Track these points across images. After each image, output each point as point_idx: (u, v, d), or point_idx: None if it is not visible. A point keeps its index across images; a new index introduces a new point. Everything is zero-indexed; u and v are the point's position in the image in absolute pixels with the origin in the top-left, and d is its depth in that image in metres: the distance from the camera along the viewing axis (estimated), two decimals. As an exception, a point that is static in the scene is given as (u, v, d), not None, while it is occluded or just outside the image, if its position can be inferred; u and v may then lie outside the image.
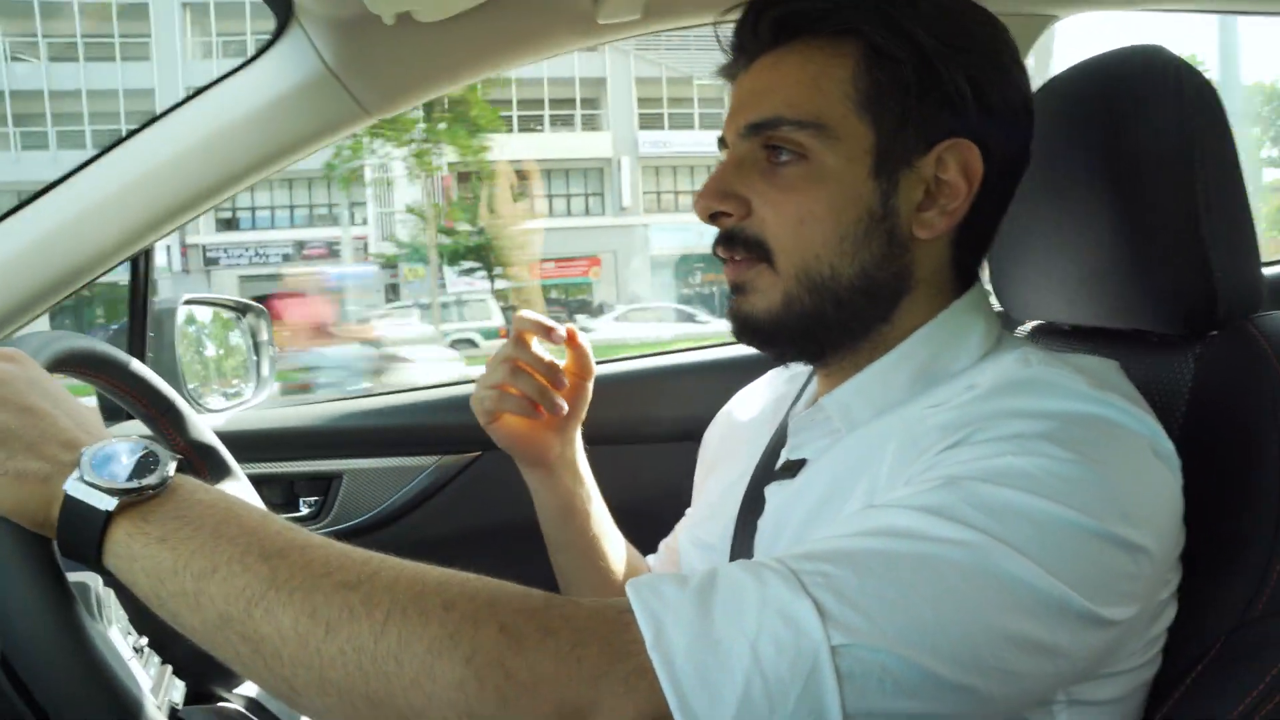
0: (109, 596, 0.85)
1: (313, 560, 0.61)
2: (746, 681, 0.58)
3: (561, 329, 1.04)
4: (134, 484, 0.63)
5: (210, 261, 25.35)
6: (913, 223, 0.80)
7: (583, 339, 1.07)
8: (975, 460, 0.67)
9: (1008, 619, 0.62)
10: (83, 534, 0.63)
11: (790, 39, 0.81)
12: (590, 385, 1.09)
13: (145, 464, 0.64)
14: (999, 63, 0.82)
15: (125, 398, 0.98)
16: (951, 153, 0.79)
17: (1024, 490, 0.64)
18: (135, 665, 0.75)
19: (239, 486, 1.09)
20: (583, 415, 1.09)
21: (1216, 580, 0.78)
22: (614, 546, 1.13)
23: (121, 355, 0.95)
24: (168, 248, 23.25)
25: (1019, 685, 0.64)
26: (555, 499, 1.10)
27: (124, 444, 0.65)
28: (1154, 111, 0.84)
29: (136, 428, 1.05)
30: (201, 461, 1.07)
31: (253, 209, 26.42)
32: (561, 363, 1.06)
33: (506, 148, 22.48)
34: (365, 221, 25.86)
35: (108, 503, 0.62)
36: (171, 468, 0.65)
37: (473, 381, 1.74)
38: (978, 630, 0.61)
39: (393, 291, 25.16)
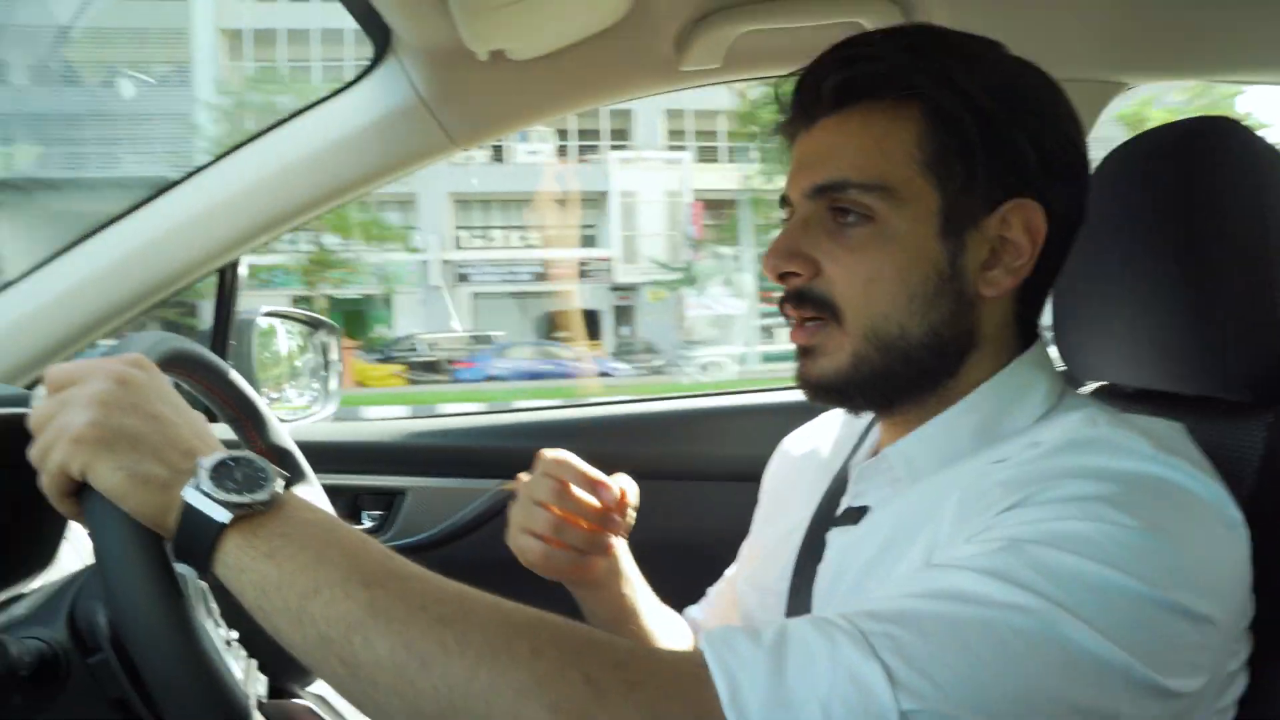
0: (204, 590, 0.89)
1: (410, 592, 0.63)
2: None
3: (614, 487, 0.96)
4: (248, 498, 0.66)
5: (461, 278, 25.64)
6: (979, 281, 0.81)
7: (627, 482, 0.99)
8: (1037, 522, 0.67)
9: (1069, 687, 0.62)
10: (197, 541, 0.66)
11: (854, 102, 0.82)
12: (633, 512, 1.01)
13: (255, 479, 0.67)
14: (1058, 123, 0.82)
15: (214, 399, 1.03)
16: (1015, 212, 0.80)
17: (1086, 556, 0.64)
18: (228, 658, 0.78)
19: (312, 491, 1.12)
20: (627, 532, 1.02)
21: None
22: (671, 631, 1.11)
23: (216, 359, 0.99)
24: (424, 262, 24.43)
25: None
26: (607, 610, 1.05)
27: (239, 455, 0.68)
28: (1226, 178, 0.84)
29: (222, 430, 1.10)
30: (279, 465, 1.10)
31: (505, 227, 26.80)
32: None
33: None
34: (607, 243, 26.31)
35: (223, 515, 0.65)
36: (280, 485, 0.68)
37: (532, 409, 1.79)
38: (1040, 697, 0.61)
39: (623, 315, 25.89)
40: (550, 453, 0.98)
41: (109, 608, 0.70)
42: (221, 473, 0.67)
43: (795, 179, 0.85)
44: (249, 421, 1.07)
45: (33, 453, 0.70)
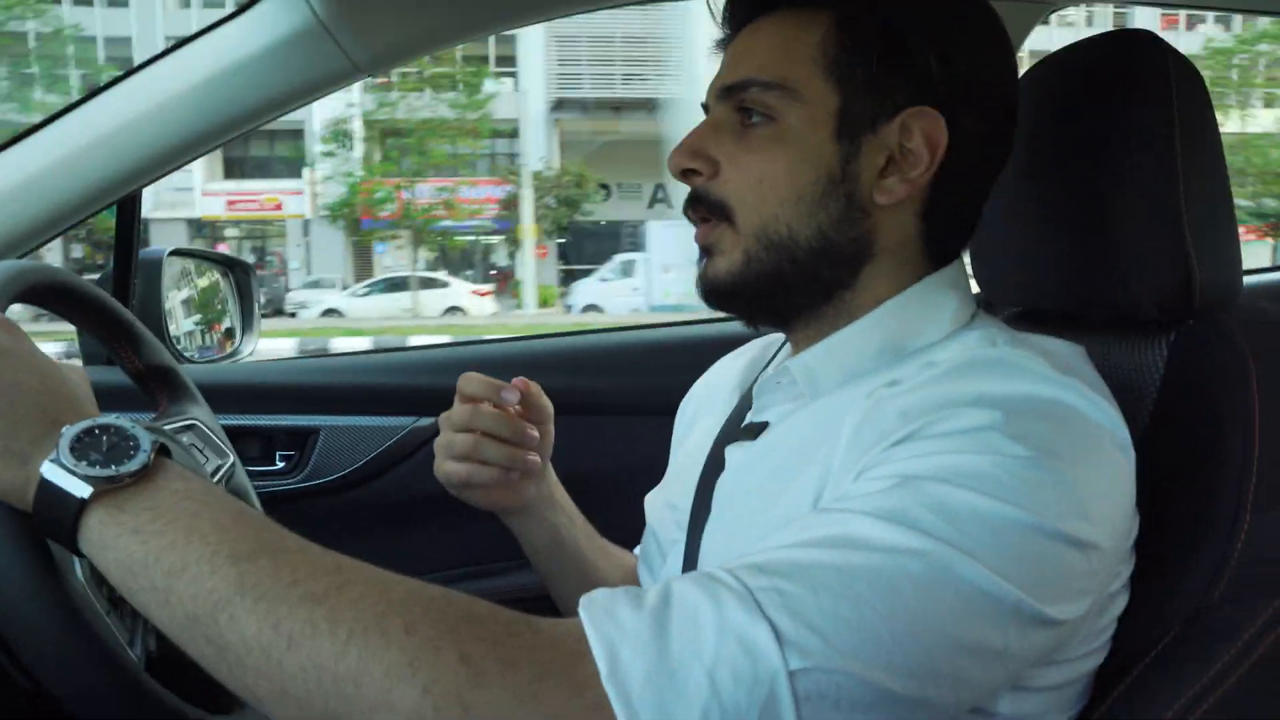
0: None
1: (281, 567, 0.61)
2: (704, 712, 0.58)
3: (512, 391, 0.97)
4: (111, 471, 0.62)
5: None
6: (874, 188, 0.81)
7: (534, 385, 1.01)
8: (930, 456, 0.66)
9: (962, 628, 0.62)
10: (58, 519, 0.62)
11: (772, 9, 0.83)
12: (552, 426, 1.03)
13: (123, 448, 0.63)
14: (971, 37, 0.82)
15: (83, 322, 0.98)
16: (916, 121, 0.80)
17: (979, 491, 0.64)
18: (113, 619, 0.75)
19: (199, 411, 1.08)
20: (550, 452, 1.04)
21: (1173, 570, 0.79)
22: (609, 560, 1.12)
23: (76, 280, 0.94)
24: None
25: (970, 690, 0.64)
26: (541, 537, 1.07)
27: (108, 423, 0.65)
28: (1140, 96, 0.84)
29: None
30: (159, 385, 1.06)
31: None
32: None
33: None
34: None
35: (82, 489, 0.62)
36: (151, 453, 0.64)
37: (451, 345, 1.77)
38: (933, 642, 0.61)
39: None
40: (463, 375, 0.99)
41: None
42: (86, 442, 0.63)
43: (711, 83, 0.86)
44: (122, 342, 1.02)
45: None
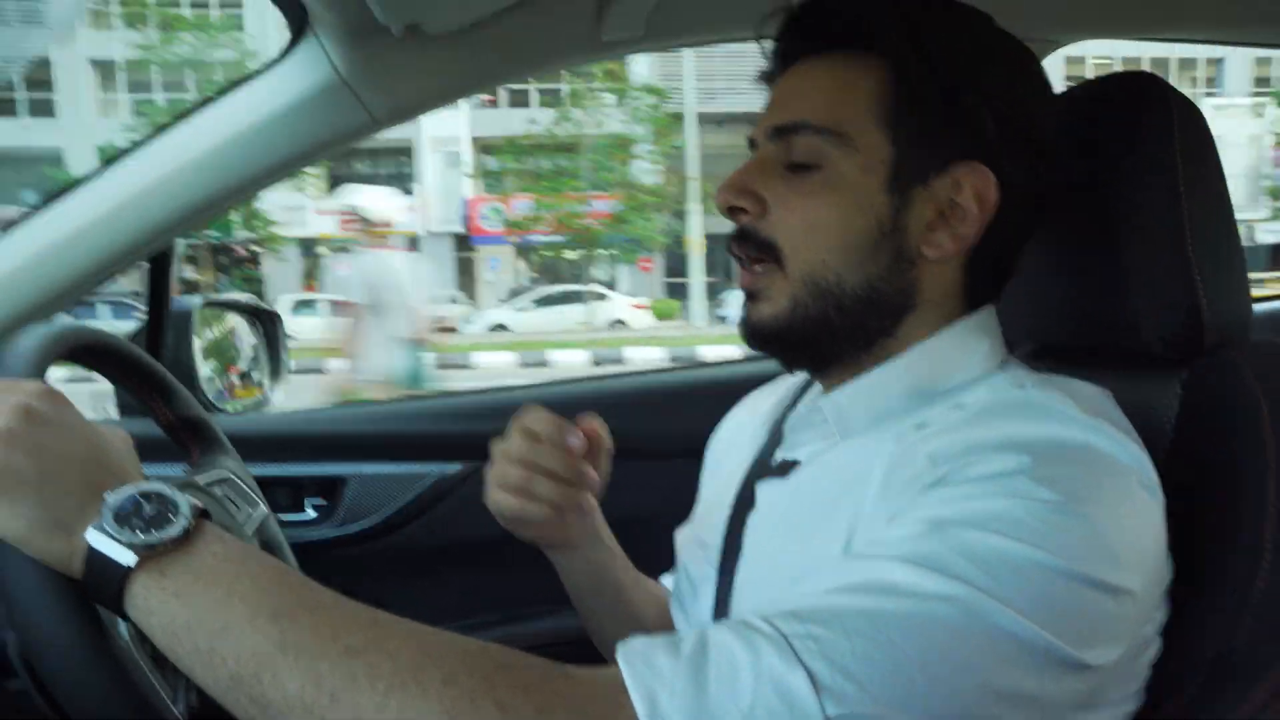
0: None
1: (321, 623, 0.62)
2: None
3: (577, 435, 0.94)
4: (155, 537, 0.64)
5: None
6: (921, 241, 0.81)
7: (600, 425, 0.98)
8: (960, 501, 0.67)
9: (995, 675, 0.62)
10: (105, 586, 0.64)
11: (824, 50, 0.83)
12: (609, 464, 1.00)
13: (164, 515, 0.65)
14: (1026, 95, 0.82)
15: (117, 377, 1.01)
16: (967, 177, 0.80)
17: (1010, 537, 0.64)
18: (156, 676, 0.77)
19: (230, 462, 1.09)
20: (602, 490, 1.01)
21: (1197, 611, 0.78)
22: (645, 594, 1.12)
23: (105, 335, 0.97)
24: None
25: None
26: (583, 574, 1.06)
27: (149, 489, 0.66)
28: (1144, 135, 0.84)
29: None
30: (191, 437, 1.08)
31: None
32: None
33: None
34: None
35: (127, 557, 0.63)
36: (191, 518, 0.66)
37: (480, 393, 1.78)
38: (967, 688, 0.61)
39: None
40: (526, 410, 0.96)
41: (21, 641, 0.69)
42: (128, 511, 0.65)
43: (761, 121, 0.86)
44: (154, 395, 1.04)
45: None
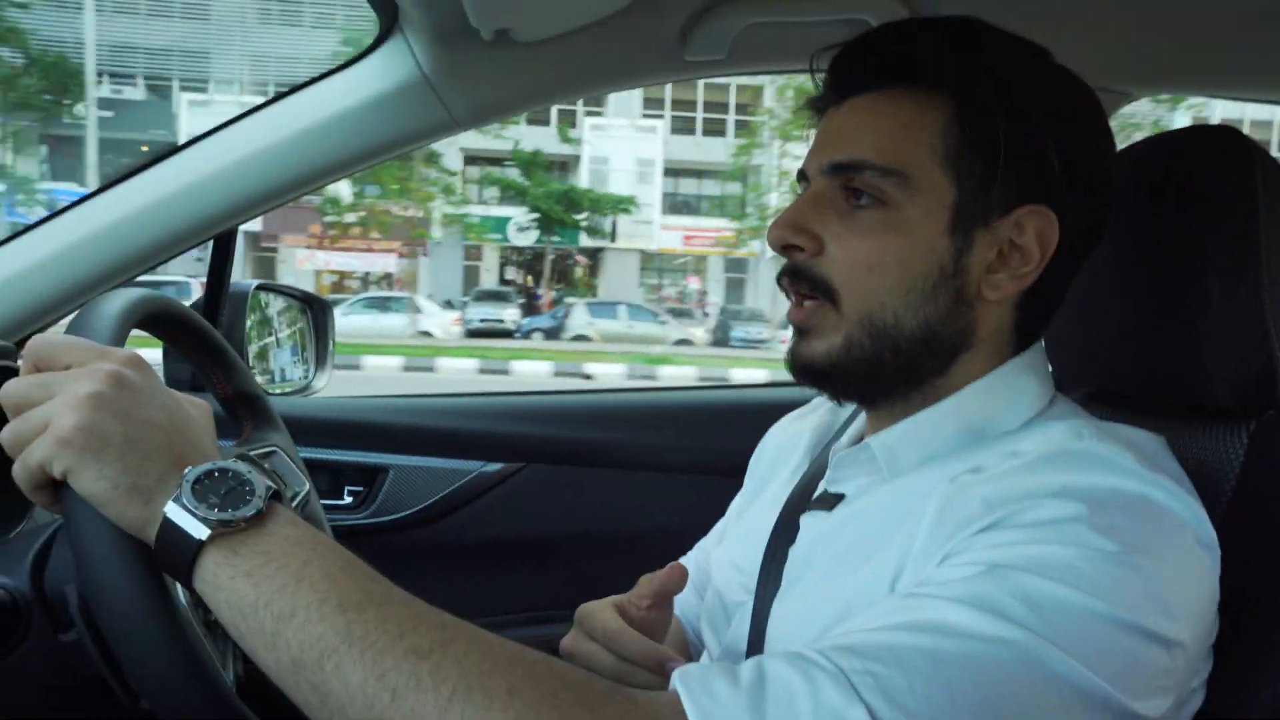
0: None
1: (388, 619, 0.62)
2: None
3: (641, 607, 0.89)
4: (230, 515, 0.65)
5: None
6: (982, 283, 0.80)
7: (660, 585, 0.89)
8: (1017, 545, 0.67)
9: (1047, 716, 0.62)
10: (176, 557, 0.65)
11: (886, 85, 0.81)
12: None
13: (241, 492, 0.66)
14: (1089, 135, 0.82)
15: (184, 347, 1.02)
16: (1030, 218, 0.79)
17: (1066, 584, 0.64)
18: (208, 642, 0.79)
19: (280, 438, 1.11)
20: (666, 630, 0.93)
21: (1252, 668, 0.78)
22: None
23: (183, 308, 0.99)
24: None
25: None
26: None
27: (227, 466, 0.67)
28: (1223, 187, 0.85)
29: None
30: (246, 410, 1.10)
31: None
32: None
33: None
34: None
35: (201, 531, 0.64)
36: (266, 499, 0.67)
37: (518, 395, 1.80)
38: None
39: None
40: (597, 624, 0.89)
41: (86, 597, 0.70)
42: (206, 485, 0.66)
43: (815, 154, 0.84)
44: (216, 368, 1.06)
45: (6, 435, 0.68)
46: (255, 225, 23.17)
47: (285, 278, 22.65)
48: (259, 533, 0.66)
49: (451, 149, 23.75)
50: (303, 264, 25.35)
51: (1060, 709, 0.63)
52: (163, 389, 0.72)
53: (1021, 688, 0.62)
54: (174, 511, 0.65)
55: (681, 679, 0.64)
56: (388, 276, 26.04)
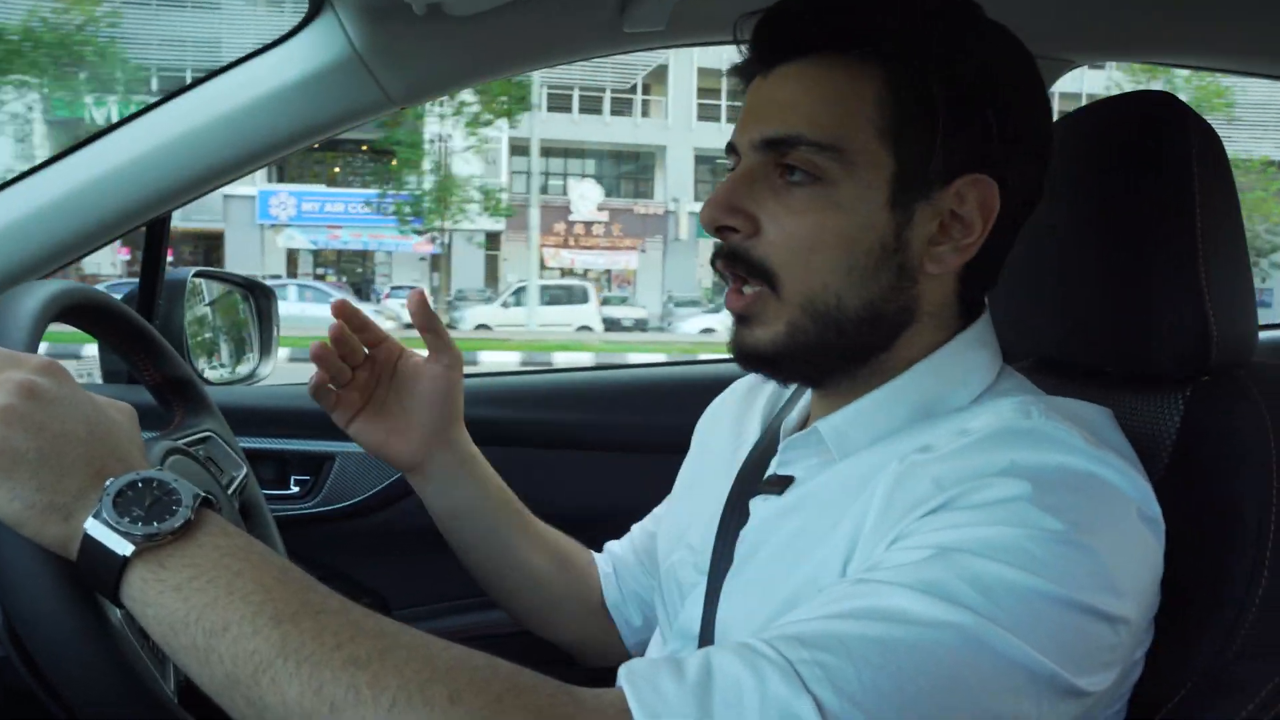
0: None
1: (325, 630, 0.60)
2: None
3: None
4: (153, 529, 0.62)
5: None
6: (924, 257, 0.79)
7: (425, 310, 1.01)
8: (965, 527, 0.67)
9: (1000, 701, 0.63)
10: (101, 574, 0.62)
11: (816, 50, 0.78)
12: (449, 374, 1.03)
13: (166, 502, 0.64)
14: (1028, 97, 0.80)
15: (107, 337, 1.00)
16: (971, 188, 0.78)
17: (1013, 565, 0.64)
18: (146, 652, 0.76)
19: (214, 423, 1.09)
20: (451, 415, 1.04)
21: (1191, 624, 0.79)
22: (532, 542, 1.11)
23: (104, 297, 0.96)
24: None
25: None
26: (440, 505, 1.07)
27: (151, 476, 0.65)
28: (1161, 156, 0.85)
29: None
30: (177, 396, 1.08)
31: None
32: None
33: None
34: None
35: (125, 547, 0.62)
36: (193, 508, 0.64)
37: (479, 376, 1.77)
38: (971, 715, 0.62)
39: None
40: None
41: (12, 617, 0.67)
42: (129, 497, 0.63)
43: (745, 126, 0.81)
44: (142, 355, 1.03)
45: None
46: (499, 224, 24.22)
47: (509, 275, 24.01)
48: (187, 544, 0.63)
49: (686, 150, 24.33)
50: (549, 262, 26.11)
51: (1008, 690, 0.63)
52: (81, 396, 0.68)
53: (970, 671, 0.62)
54: (94, 528, 0.62)
55: (627, 677, 0.63)
56: (607, 273, 26.69)
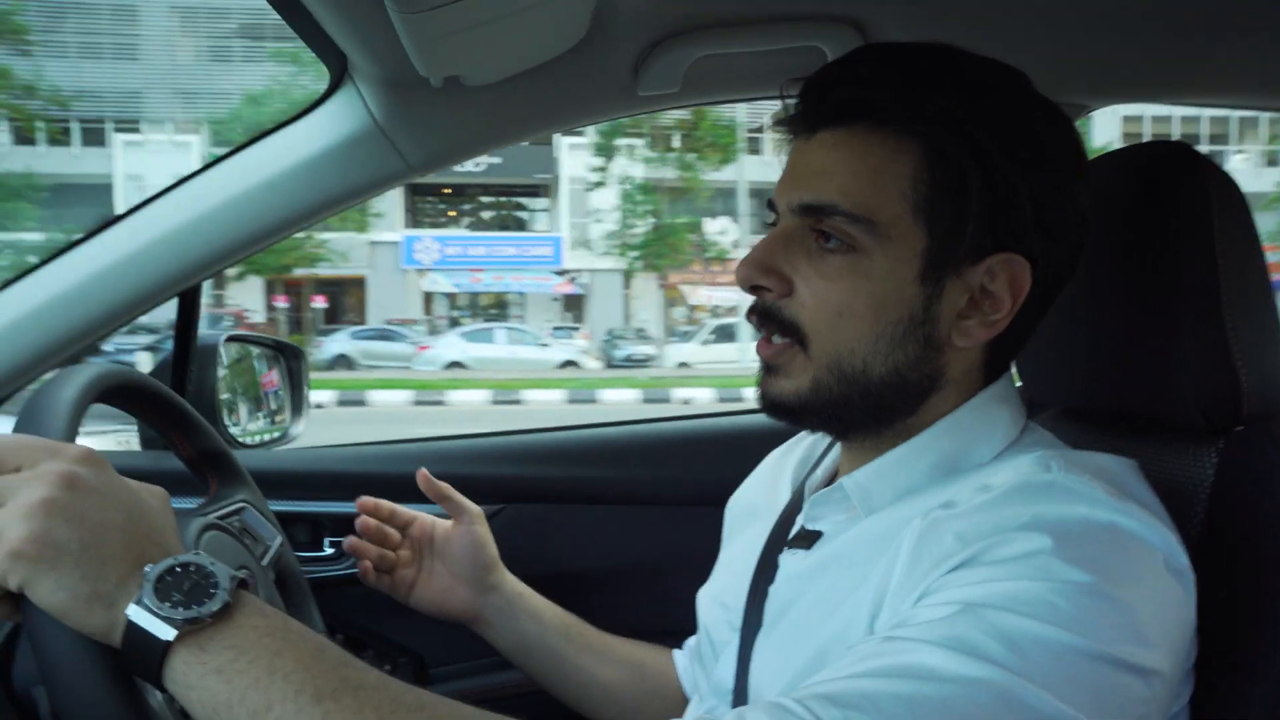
0: None
1: (365, 704, 0.62)
2: None
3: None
4: (193, 613, 0.64)
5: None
6: (952, 330, 0.80)
7: (434, 485, 1.21)
8: (990, 583, 0.67)
9: None
10: (144, 660, 0.64)
11: (856, 120, 0.79)
12: (474, 530, 1.19)
13: (204, 586, 0.65)
14: (1063, 172, 0.80)
15: (143, 414, 1.02)
16: (1003, 266, 0.78)
17: (1039, 619, 0.64)
18: None
19: (248, 493, 1.10)
20: (487, 563, 1.19)
21: (1236, 687, 0.78)
22: (602, 659, 1.17)
23: (138, 375, 0.98)
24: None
25: None
26: (507, 643, 1.19)
27: (189, 560, 0.66)
28: (1181, 205, 0.85)
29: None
30: (211, 469, 1.10)
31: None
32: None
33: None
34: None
35: (167, 632, 0.63)
36: (231, 589, 0.66)
37: (502, 434, 1.78)
38: None
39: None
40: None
41: (55, 704, 0.68)
42: (169, 583, 0.64)
43: (785, 188, 0.83)
44: (176, 430, 1.05)
45: None
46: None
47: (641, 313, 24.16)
48: (226, 626, 0.65)
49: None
50: (690, 299, 26.91)
51: None
52: (119, 484, 0.70)
53: None
54: (137, 614, 0.64)
55: None
56: (717, 306, 27.03)
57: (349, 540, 1.15)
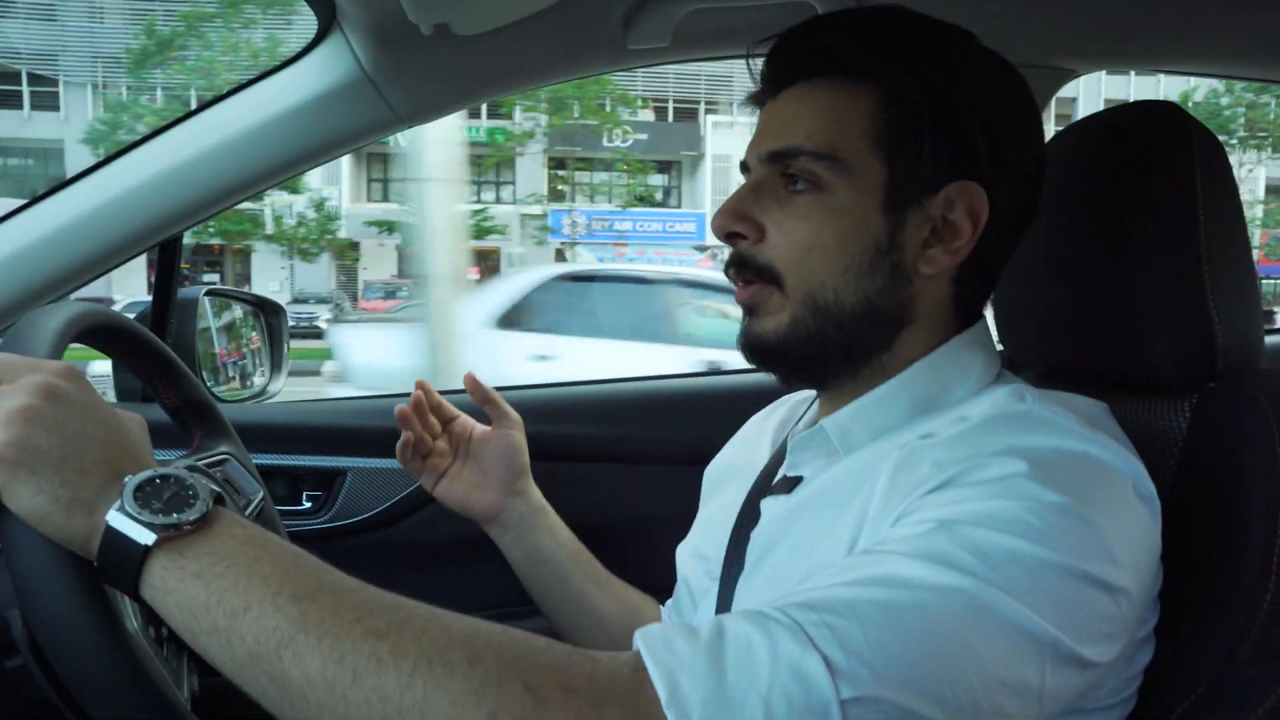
0: None
1: (343, 605, 0.62)
2: None
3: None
4: (174, 518, 0.64)
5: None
6: (918, 258, 0.83)
7: (480, 388, 1.22)
8: (966, 502, 0.69)
9: (1003, 664, 0.64)
10: (122, 565, 0.64)
11: (817, 74, 0.85)
12: (511, 435, 1.22)
13: (184, 496, 0.65)
14: (1015, 118, 0.85)
15: (127, 359, 1.00)
16: (959, 194, 0.82)
17: (1014, 534, 0.66)
18: (160, 660, 0.77)
19: (232, 446, 1.10)
20: (519, 469, 1.21)
21: (1200, 629, 0.80)
22: (604, 591, 1.19)
23: (124, 319, 0.97)
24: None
25: None
26: (517, 553, 1.21)
27: (168, 473, 0.66)
28: (1163, 164, 0.86)
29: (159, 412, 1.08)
30: (195, 420, 1.09)
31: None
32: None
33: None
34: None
35: (146, 536, 0.63)
36: (209, 501, 0.66)
37: (495, 390, 1.77)
38: (975, 677, 0.63)
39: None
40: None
41: (29, 621, 0.68)
42: (148, 491, 0.65)
43: (754, 144, 0.87)
44: (162, 378, 1.04)
45: None
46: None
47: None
48: (206, 534, 0.65)
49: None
50: None
51: (1011, 653, 0.64)
52: (99, 401, 0.70)
53: (974, 635, 0.64)
54: (117, 519, 0.64)
55: (643, 637, 0.65)
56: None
57: (400, 406, 1.18)
